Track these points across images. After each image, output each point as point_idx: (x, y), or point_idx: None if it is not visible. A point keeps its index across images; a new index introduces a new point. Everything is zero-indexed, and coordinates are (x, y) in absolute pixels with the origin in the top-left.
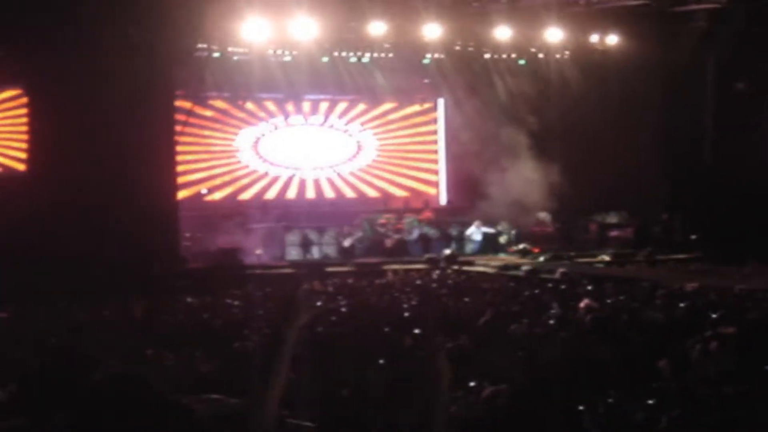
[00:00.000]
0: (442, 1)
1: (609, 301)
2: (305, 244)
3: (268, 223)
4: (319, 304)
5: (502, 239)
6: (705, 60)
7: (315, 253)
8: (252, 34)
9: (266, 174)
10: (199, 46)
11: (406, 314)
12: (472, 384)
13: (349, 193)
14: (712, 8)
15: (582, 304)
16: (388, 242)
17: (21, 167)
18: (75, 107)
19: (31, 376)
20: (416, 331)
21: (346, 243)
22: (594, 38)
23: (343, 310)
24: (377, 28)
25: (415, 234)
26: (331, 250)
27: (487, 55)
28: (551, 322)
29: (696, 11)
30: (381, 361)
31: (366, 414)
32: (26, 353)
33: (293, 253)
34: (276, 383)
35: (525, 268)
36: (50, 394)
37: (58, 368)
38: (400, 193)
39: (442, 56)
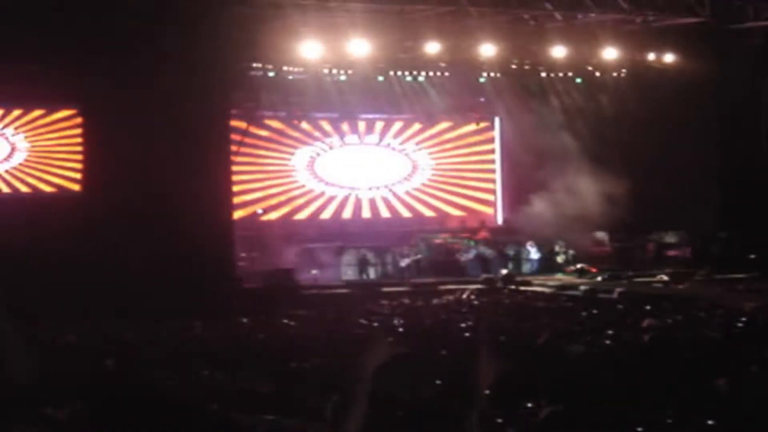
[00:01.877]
0: (498, 20)
1: (668, 321)
2: (362, 264)
3: (324, 243)
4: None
5: (560, 259)
6: (762, 78)
7: (371, 273)
8: (307, 53)
9: (322, 194)
10: (255, 65)
11: (466, 335)
12: (529, 405)
13: (405, 213)
14: None
15: (645, 323)
16: (462, 259)
17: (75, 187)
18: (130, 127)
19: (89, 398)
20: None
21: (404, 263)
22: (650, 56)
23: (400, 330)
24: (432, 47)
25: (472, 254)
26: (387, 270)
27: (543, 74)
28: (608, 342)
29: (753, 29)
30: (438, 382)
31: None
32: (83, 374)
33: (349, 273)
34: (355, 419)
35: (582, 288)
36: (107, 415)
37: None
38: (455, 212)
39: (498, 75)
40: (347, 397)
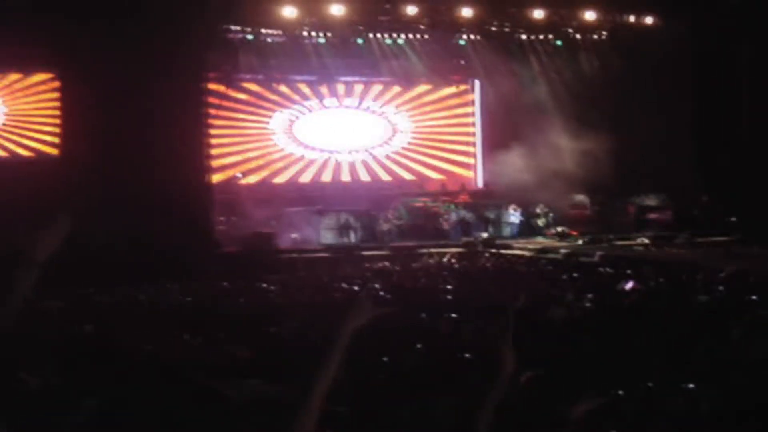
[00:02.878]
0: None
1: (651, 284)
2: (341, 228)
3: (303, 207)
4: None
5: (540, 222)
6: (741, 39)
7: (351, 237)
8: (286, 15)
9: (301, 157)
10: (233, 28)
11: (448, 297)
12: None
13: (385, 177)
14: None
15: (628, 286)
16: (445, 225)
17: (53, 151)
18: (107, 91)
19: (63, 363)
20: (453, 315)
21: (384, 227)
22: (630, 18)
23: (380, 294)
24: (412, 9)
25: (452, 218)
26: (367, 234)
27: (523, 36)
28: (589, 305)
29: None
30: (418, 346)
31: (401, 400)
32: (58, 340)
33: (328, 237)
34: (325, 381)
35: (563, 251)
36: (82, 380)
37: (90, 355)
38: (436, 176)
39: (478, 37)
40: (322, 360)
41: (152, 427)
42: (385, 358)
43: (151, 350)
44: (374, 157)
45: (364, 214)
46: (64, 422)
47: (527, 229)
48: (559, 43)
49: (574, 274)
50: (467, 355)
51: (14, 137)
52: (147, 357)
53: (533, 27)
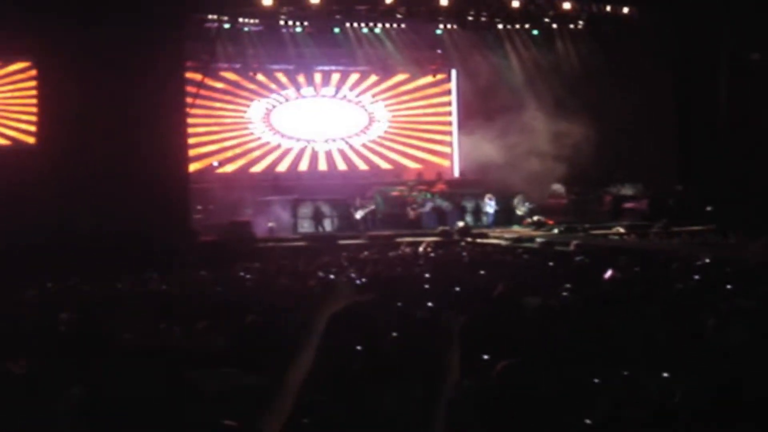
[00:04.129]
0: None
1: (631, 271)
2: (317, 217)
3: (280, 196)
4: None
5: (519, 211)
6: (719, 31)
7: (327, 225)
8: (262, 4)
9: (278, 146)
10: (210, 17)
11: (424, 286)
12: (485, 357)
13: (362, 166)
14: None
15: (607, 275)
16: (410, 214)
17: (30, 140)
18: (84, 80)
19: (44, 351)
20: (429, 304)
21: (358, 215)
22: (608, 8)
23: (357, 282)
24: None
25: (428, 206)
26: (343, 223)
27: (500, 26)
28: (565, 294)
29: None
30: (394, 334)
31: (377, 387)
32: (40, 328)
33: (305, 226)
34: (301, 366)
35: (539, 240)
36: (63, 368)
37: (72, 343)
38: (413, 165)
39: (455, 27)
40: (297, 346)
41: (133, 414)
42: (359, 347)
43: (130, 339)
44: (351, 146)
45: (340, 203)
46: (50, 409)
47: (504, 218)
48: (536, 32)
49: (550, 263)
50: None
51: None
52: (126, 345)
53: (510, 16)
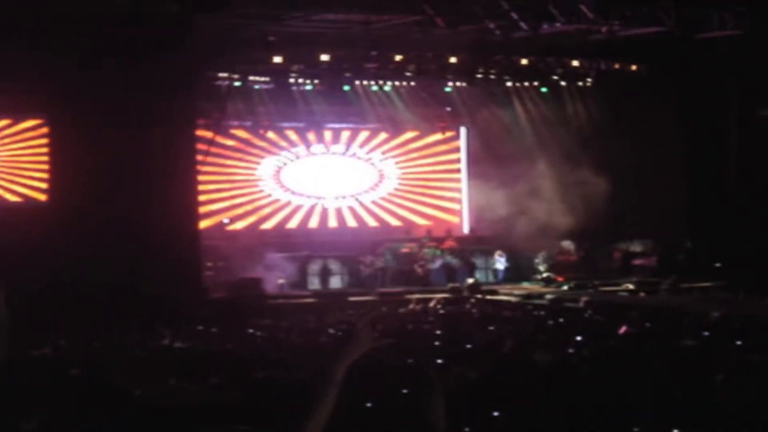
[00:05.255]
0: (464, 29)
1: (644, 327)
2: (323, 274)
3: (291, 253)
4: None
5: (542, 269)
6: (728, 87)
7: (336, 282)
8: (273, 62)
9: (288, 203)
10: (221, 75)
11: (435, 343)
12: (496, 414)
13: (372, 222)
14: (735, 35)
15: (621, 331)
16: (420, 270)
17: (41, 197)
18: (96, 137)
19: (56, 408)
20: (439, 361)
21: (363, 273)
22: (616, 66)
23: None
24: (398, 57)
25: (438, 263)
26: (353, 280)
27: (509, 83)
28: (571, 350)
29: (719, 38)
30: (404, 392)
31: None
32: (51, 385)
33: (315, 283)
34: (320, 418)
35: (549, 296)
36: (75, 426)
37: (83, 400)
38: (422, 222)
39: (464, 84)
40: (316, 396)
41: None
42: (368, 404)
43: (141, 395)
44: (361, 203)
45: (350, 260)
46: None
47: (514, 275)
48: (544, 89)
49: (560, 320)
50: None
51: (3, 182)
52: (138, 402)
53: (519, 73)
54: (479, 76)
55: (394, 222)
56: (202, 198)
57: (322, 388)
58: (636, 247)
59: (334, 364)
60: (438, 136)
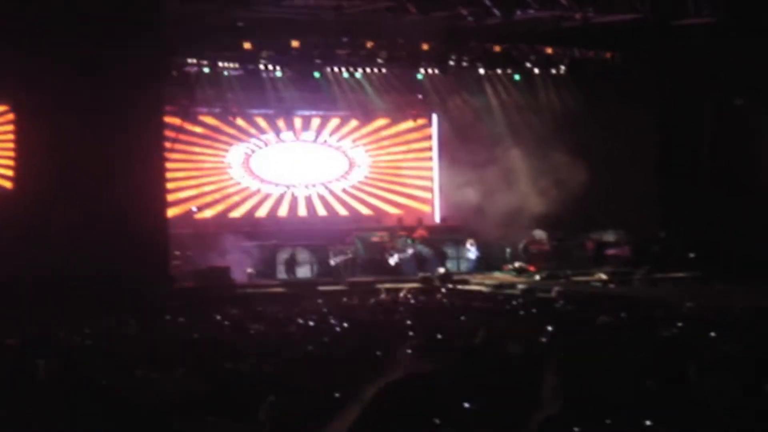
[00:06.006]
0: (436, 16)
1: (621, 317)
2: (289, 264)
3: (259, 242)
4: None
5: (508, 258)
6: (703, 76)
7: (305, 272)
8: (243, 49)
9: (258, 191)
10: (189, 61)
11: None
12: (466, 405)
13: (342, 211)
14: (710, 22)
15: (598, 321)
16: (392, 260)
17: (7, 184)
18: (62, 124)
19: (22, 400)
20: (409, 351)
21: (333, 261)
22: (589, 53)
23: (337, 330)
24: (370, 43)
25: (409, 252)
26: (323, 269)
27: (481, 70)
28: (544, 340)
29: (694, 25)
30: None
31: None
32: (17, 376)
33: (284, 272)
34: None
35: (520, 287)
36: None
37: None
38: (393, 210)
39: (436, 71)
40: (340, 414)
41: None
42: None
43: (107, 385)
44: (331, 192)
45: (320, 249)
46: None
47: (485, 264)
48: (517, 77)
49: (532, 310)
50: None
51: None
52: (104, 392)
53: (491, 61)
54: (451, 63)
55: (365, 211)
56: (170, 186)
57: (350, 404)
58: (609, 237)
59: (370, 385)
60: (410, 124)
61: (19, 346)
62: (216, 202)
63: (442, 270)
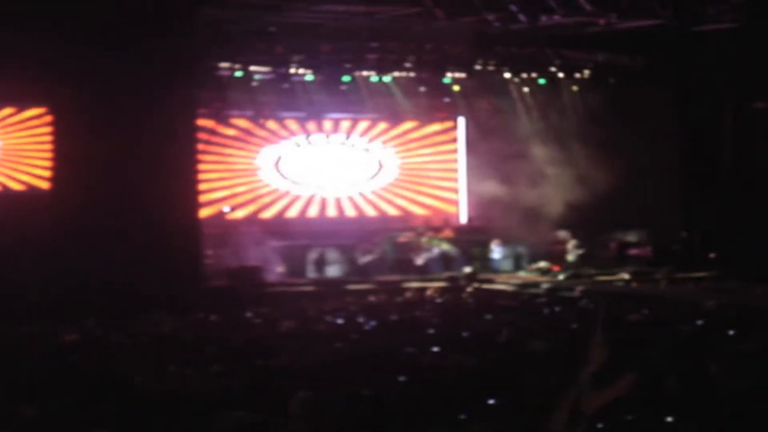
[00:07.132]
0: (463, 21)
1: (648, 315)
2: (318, 263)
3: (290, 242)
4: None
5: (571, 257)
6: (723, 80)
7: (334, 271)
8: (275, 53)
9: (288, 192)
10: (222, 65)
11: (431, 331)
12: (491, 401)
13: (370, 212)
14: (731, 27)
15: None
16: (419, 260)
17: (44, 185)
18: (99, 126)
19: (57, 395)
20: (435, 349)
21: (362, 261)
22: (613, 58)
23: (365, 328)
24: (399, 48)
25: (435, 252)
26: (352, 269)
27: (507, 74)
28: (570, 338)
29: (715, 30)
30: (401, 379)
31: None
32: (53, 372)
33: (313, 271)
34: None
35: (545, 286)
36: (76, 413)
37: (85, 387)
38: (420, 211)
39: (463, 75)
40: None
41: None
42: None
43: (142, 382)
44: (360, 193)
45: (348, 249)
46: None
47: (510, 264)
48: (542, 81)
49: (556, 308)
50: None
51: (7, 171)
52: (139, 388)
53: (517, 65)
54: (478, 67)
55: (393, 212)
56: (202, 187)
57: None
58: (631, 238)
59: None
60: (437, 126)
61: (52, 342)
62: (247, 202)
63: (467, 269)
